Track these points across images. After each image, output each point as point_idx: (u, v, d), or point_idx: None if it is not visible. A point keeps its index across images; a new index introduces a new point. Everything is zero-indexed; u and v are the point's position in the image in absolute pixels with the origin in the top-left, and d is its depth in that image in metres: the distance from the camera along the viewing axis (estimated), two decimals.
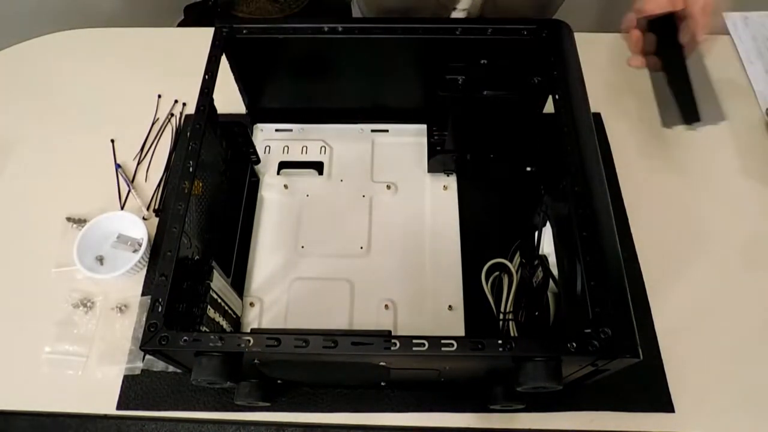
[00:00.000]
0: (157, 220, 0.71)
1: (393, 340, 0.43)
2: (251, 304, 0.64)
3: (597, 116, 0.78)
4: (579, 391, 0.57)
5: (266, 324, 0.62)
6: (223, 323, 0.57)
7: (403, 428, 0.58)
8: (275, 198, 0.71)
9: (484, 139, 0.68)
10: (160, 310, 0.45)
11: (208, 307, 0.54)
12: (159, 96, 0.82)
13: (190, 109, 0.81)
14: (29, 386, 0.61)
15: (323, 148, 0.75)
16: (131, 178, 0.75)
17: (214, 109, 0.58)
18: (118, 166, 0.75)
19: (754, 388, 0.59)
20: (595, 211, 0.48)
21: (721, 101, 0.64)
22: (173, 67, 0.84)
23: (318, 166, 0.73)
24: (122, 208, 0.72)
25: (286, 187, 0.71)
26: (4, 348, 0.63)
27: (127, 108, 0.81)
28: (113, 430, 0.59)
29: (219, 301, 0.56)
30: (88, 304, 0.65)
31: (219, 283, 0.56)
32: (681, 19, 0.66)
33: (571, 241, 0.48)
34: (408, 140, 0.75)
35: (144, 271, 0.67)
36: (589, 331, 0.43)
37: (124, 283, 0.66)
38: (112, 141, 0.78)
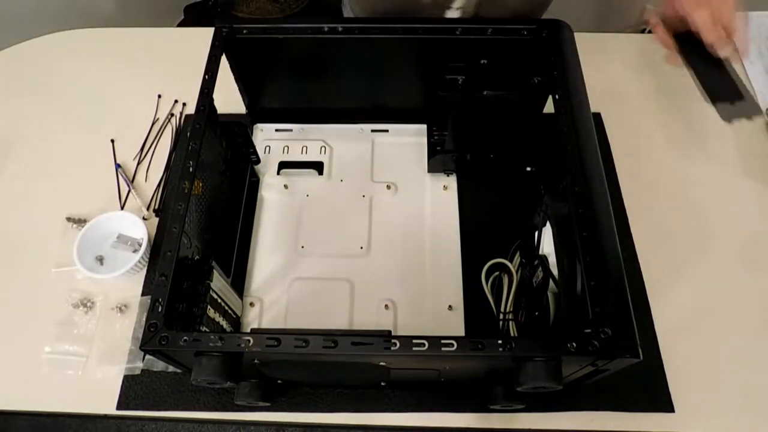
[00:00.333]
0: (157, 220, 0.71)
1: (393, 340, 0.43)
2: (251, 304, 0.64)
3: (597, 116, 0.78)
4: (579, 391, 0.57)
5: (266, 324, 0.62)
6: (223, 323, 0.57)
7: (403, 428, 0.58)
8: (275, 198, 0.71)
9: (484, 139, 0.68)
10: (160, 310, 0.45)
11: (208, 307, 0.54)
12: (159, 96, 0.82)
13: (190, 109, 0.81)
14: (29, 386, 0.61)
15: (323, 148, 0.75)
16: (131, 178, 0.75)
17: (214, 109, 0.58)
18: (118, 166, 0.75)
19: (754, 388, 0.59)
20: (595, 211, 0.48)
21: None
22: (173, 67, 0.84)
23: (318, 166, 0.73)
24: (122, 208, 0.72)
25: (286, 187, 0.71)
26: (4, 348, 0.63)
27: (127, 108, 0.81)
28: (113, 430, 0.59)
29: (219, 301, 0.56)
30: (88, 304, 0.65)
31: (219, 283, 0.56)
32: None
33: (571, 241, 0.48)
34: (408, 140, 0.75)
35: (144, 271, 0.67)
36: (589, 331, 0.43)
37: (124, 283, 0.66)
38: (112, 141, 0.78)
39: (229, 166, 0.66)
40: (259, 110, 0.75)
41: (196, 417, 0.59)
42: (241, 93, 0.71)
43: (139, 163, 0.76)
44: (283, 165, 0.73)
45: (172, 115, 0.80)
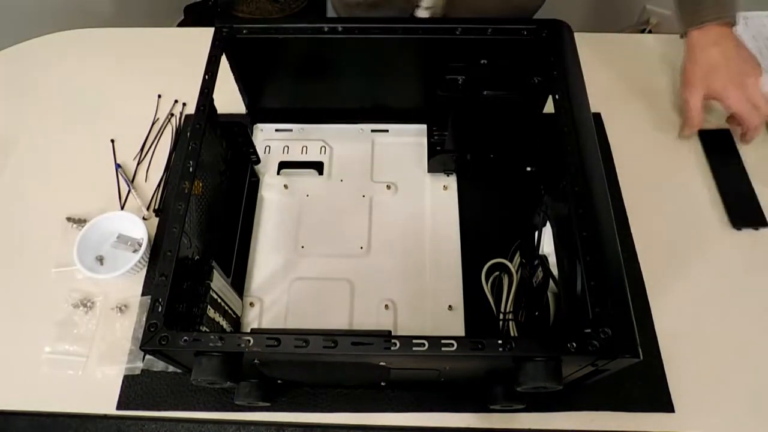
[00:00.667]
0: (157, 220, 0.71)
1: (393, 340, 0.43)
2: (251, 304, 0.64)
3: (597, 116, 0.78)
4: (579, 391, 0.57)
5: (266, 324, 0.62)
6: (223, 323, 0.57)
7: (403, 428, 0.58)
8: (275, 198, 0.71)
9: (484, 139, 0.68)
10: (160, 310, 0.45)
11: (208, 307, 0.54)
12: (159, 96, 0.82)
13: (190, 109, 0.81)
14: (29, 386, 0.61)
15: (323, 148, 0.75)
16: (131, 178, 0.75)
17: (214, 109, 0.58)
18: (118, 166, 0.75)
19: (755, 388, 0.59)
20: (595, 211, 0.48)
21: None
22: (173, 67, 0.84)
23: (318, 166, 0.73)
24: (122, 208, 0.72)
25: (286, 187, 0.71)
26: (4, 348, 0.63)
27: (127, 108, 0.81)
28: (113, 430, 0.59)
29: (219, 301, 0.56)
30: (88, 304, 0.65)
31: (219, 283, 0.56)
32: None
33: (571, 241, 0.48)
34: (408, 140, 0.75)
35: (144, 271, 0.67)
36: (589, 331, 0.43)
37: (124, 283, 0.66)
38: (112, 141, 0.78)
39: (229, 166, 0.66)
40: (259, 110, 0.75)
41: (196, 417, 0.59)
42: (241, 93, 0.71)
43: (139, 163, 0.76)
44: (283, 165, 0.73)
45: (172, 115, 0.80)
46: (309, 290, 0.65)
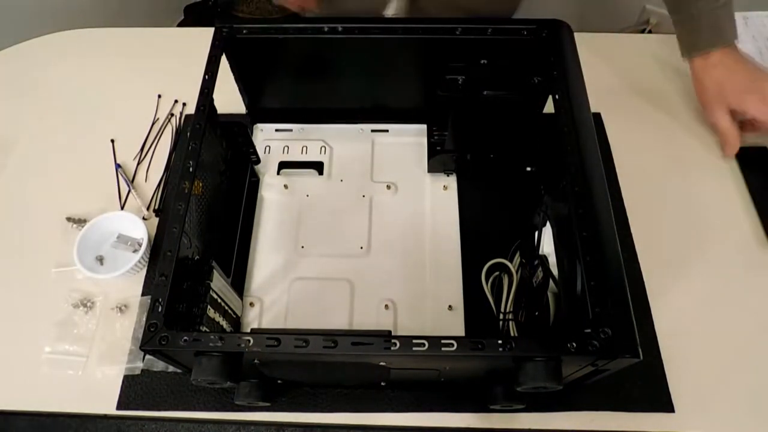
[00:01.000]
0: (157, 220, 0.71)
1: (393, 340, 0.43)
2: (251, 304, 0.64)
3: (597, 116, 0.78)
4: (579, 391, 0.57)
5: (266, 324, 0.62)
6: (223, 323, 0.57)
7: (403, 428, 0.58)
8: (275, 198, 0.71)
9: (484, 139, 0.68)
10: (160, 310, 0.45)
11: (208, 307, 0.54)
12: (159, 96, 0.82)
13: (190, 109, 0.81)
14: (29, 386, 0.61)
15: (323, 148, 0.75)
16: (131, 178, 0.75)
17: (214, 109, 0.58)
18: (118, 166, 0.75)
19: (755, 388, 0.59)
20: (595, 211, 0.48)
21: None
22: (173, 67, 0.84)
23: (318, 166, 0.73)
24: (122, 208, 0.72)
25: (286, 187, 0.71)
26: (4, 348, 0.63)
27: (127, 108, 0.81)
28: (113, 430, 0.59)
29: (219, 301, 0.56)
30: (88, 304, 0.65)
31: (219, 283, 0.56)
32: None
33: (571, 241, 0.48)
34: (408, 140, 0.75)
35: (144, 271, 0.67)
36: (589, 331, 0.43)
37: (124, 283, 0.66)
38: (112, 141, 0.78)
39: (229, 166, 0.66)
40: (259, 110, 0.75)
41: (196, 417, 0.59)
42: (241, 93, 0.71)
43: (139, 163, 0.76)
44: (283, 165, 0.73)
45: (172, 115, 0.80)
46: (309, 290, 0.65)
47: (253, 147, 0.69)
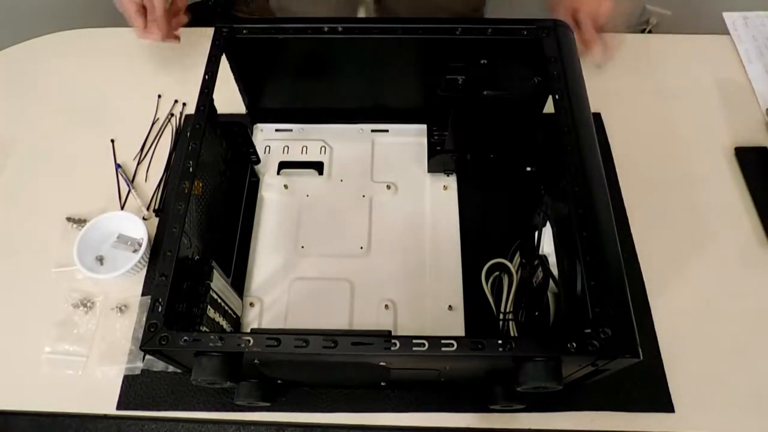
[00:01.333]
0: (157, 220, 0.71)
1: (393, 340, 0.43)
2: (251, 304, 0.64)
3: (597, 116, 0.78)
4: (579, 391, 0.57)
5: (266, 324, 0.62)
6: (223, 323, 0.57)
7: (403, 428, 0.58)
8: (275, 198, 0.71)
9: (484, 139, 0.68)
10: (160, 310, 0.45)
11: (208, 307, 0.54)
12: (159, 96, 0.82)
13: (190, 109, 0.81)
14: (29, 386, 0.61)
15: (323, 148, 0.75)
16: (131, 178, 0.75)
17: (214, 109, 0.58)
18: (118, 166, 0.75)
19: (755, 388, 0.59)
20: (595, 211, 0.48)
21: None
22: (173, 67, 0.84)
23: (318, 166, 0.73)
24: (122, 208, 0.72)
25: (286, 187, 0.71)
26: (4, 348, 0.63)
27: (127, 108, 0.81)
28: (113, 430, 0.59)
29: (219, 301, 0.56)
30: (88, 304, 0.65)
31: (219, 283, 0.56)
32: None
33: (571, 241, 0.48)
34: (408, 140, 0.75)
35: (144, 271, 0.67)
36: (589, 331, 0.43)
37: (124, 283, 0.66)
38: (112, 141, 0.78)
39: (229, 166, 0.66)
40: (259, 110, 0.75)
41: (196, 417, 0.59)
42: (241, 93, 0.71)
43: (139, 163, 0.76)
44: (283, 165, 0.73)
45: (172, 115, 0.80)
46: (309, 290, 0.64)
47: (253, 147, 0.69)
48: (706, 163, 0.75)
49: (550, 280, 0.55)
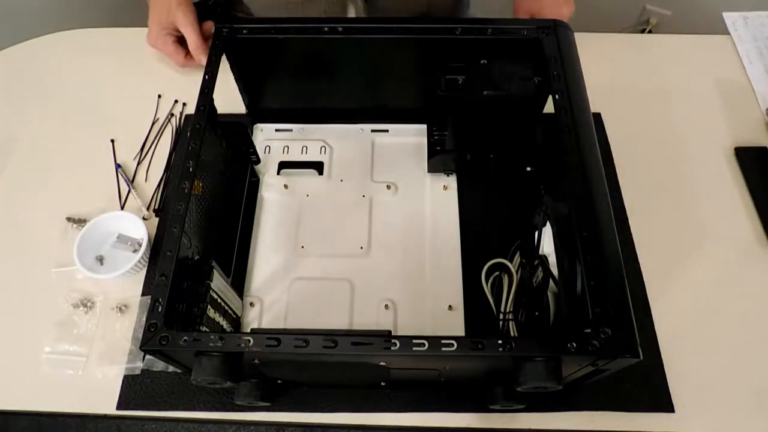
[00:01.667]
0: (157, 220, 0.71)
1: (393, 340, 0.43)
2: (251, 304, 0.64)
3: (597, 116, 0.78)
4: (579, 391, 0.57)
5: (266, 324, 0.62)
6: (223, 323, 0.57)
7: (403, 428, 0.58)
8: (275, 198, 0.71)
9: (484, 139, 0.68)
10: (160, 310, 0.45)
11: (208, 307, 0.54)
12: (159, 96, 0.82)
13: (190, 109, 0.81)
14: (29, 386, 0.61)
15: (323, 148, 0.75)
16: (131, 178, 0.75)
17: (214, 109, 0.58)
18: (118, 166, 0.75)
19: (755, 388, 0.59)
20: (595, 211, 0.48)
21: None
22: (173, 67, 0.84)
23: (318, 166, 0.73)
24: (122, 208, 0.72)
25: (286, 187, 0.71)
26: (4, 348, 0.63)
27: (127, 108, 0.81)
28: (113, 430, 0.59)
29: (219, 301, 0.56)
30: (88, 304, 0.65)
31: (219, 283, 0.56)
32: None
33: (571, 241, 0.48)
34: (408, 140, 0.75)
35: (144, 271, 0.67)
36: (589, 331, 0.43)
37: (124, 283, 0.66)
38: (112, 141, 0.78)
39: (229, 166, 0.66)
40: (259, 110, 0.75)
41: (196, 417, 0.59)
42: (241, 93, 0.71)
43: (139, 163, 0.76)
44: (283, 165, 0.73)
45: (172, 115, 0.80)
46: (309, 290, 0.64)
47: (253, 147, 0.69)
48: (706, 163, 0.75)
49: (550, 280, 0.55)
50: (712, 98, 0.80)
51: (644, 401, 0.58)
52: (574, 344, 0.42)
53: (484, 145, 0.68)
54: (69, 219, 0.70)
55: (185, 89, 0.81)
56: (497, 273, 0.65)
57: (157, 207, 0.72)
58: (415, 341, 0.43)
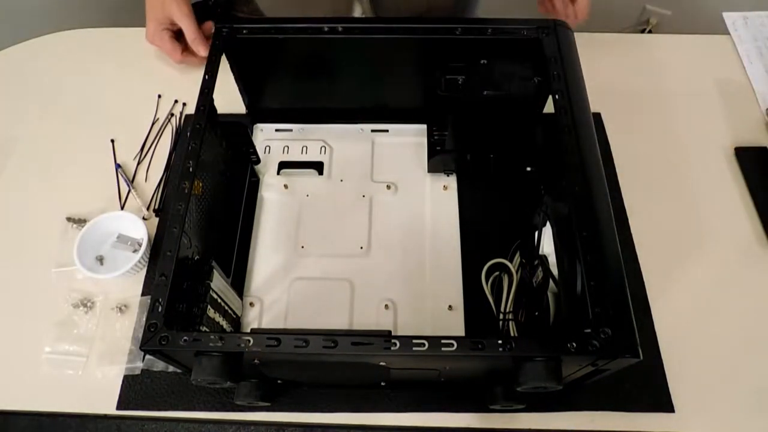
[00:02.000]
0: (157, 220, 0.71)
1: (393, 340, 0.43)
2: (251, 304, 0.64)
3: (597, 116, 0.78)
4: (579, 391, 0.57)
5: (266, 324, 0.62)
6: (223, 323, 0.57)
7: (403, 428, 0.58)
8: (275, 198, 0.71)
9: (484, 139, 0.68)
10: (160, 310, 0.46)
11: (208, 307, 0.54)
12: (159, 96, 0.82)
13: (190, 109, 0.81)
14: (29, 386, 0.61)
15: (323, 148, 0.75)
16: (131, 178, 0.75)
17: (214, 109, 0.58)
18: (118, 166, 0.75)
19: (755, 388, 0.59)
20: (595, 211, 0.48)
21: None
22: (173, 67, 0.84)
23: (318, 166, 0.73)
24: (122, 208, 0.72)
25: (286, 187, 0.71)
26: (4, 348, 0.63)
27: (127, 108, 0.81)
28: (113, 430, 0.59)
29: (219, 301, 0.56)
30: (88, 304, 0.65)
31: (219, 283, 0.56)
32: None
33: (571, 241, 0.48)
34: (408, 140, 0.75)
35: (144, 271, 0.67)
36: (589, 331, 0.43)
37: (124, 283, 0.66)
38: (112, 141, 0.78)
39: (229, 166, 0.66)
40: (259, 110, 0.75)
41: (196, 417, 0.59)
42: (241, 93, 0.71)
43: (139, 163, 0.76)
44: (283, 165, 0.73)
45: (172, 115, 0.80)
46: (309, 290, 0.64)
47: (253, 147, 0.69)
48: (706, 163, 0.75)
49: (550, 280, 0.55)
50: (712, 98, 0.81)
51: (644, 401, 0.58)
52: (574, 344, 0.42)
53: (484, 145, 0.68)
54: (69, 219, 0.70)
55: (185, 89, 0.81)
56: (497, 273, 0.65)
57: (157, 207, 0.72)
58: (415, 341, 0.43)
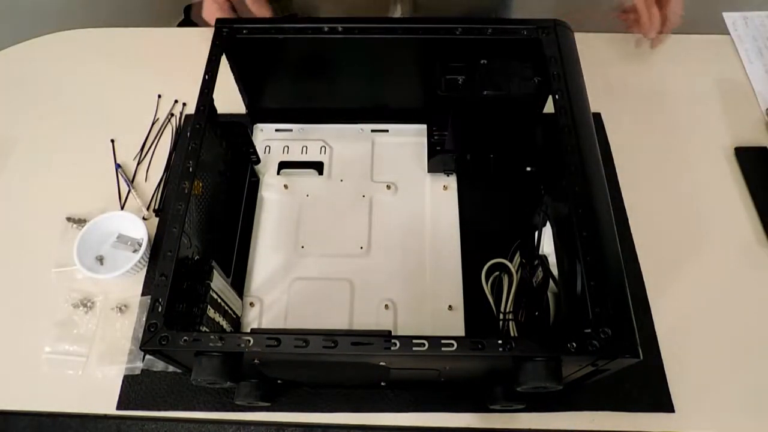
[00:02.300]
0: (157, 220, 0.71)
1: (393, 340, 0.43)
2: (251, 304, 0.64)
3: (597, 116, 0.78)
4: (579, 391, 0.57)
5: (266, 324, 0.62)
6: (223, 323, 0.57)
7: (403, 428, 0.58)
8: (275, 198, 0.71)
9: (484, 139, 0.68)
10: (160, 310, 0.46)
11: (208, 307, 0.54)
12: (159, 96, 0.82)
13: (190, 109, 0.81)
14: (29, 386, 0.61)
15: (323, 148, 0.75)
16: (131, 178, 0.75)
17: (214, 109, 0.58)
18: (118, 166, 0.75)
19: (755, 388, 0.59)
20: (595, 211, 0.48)
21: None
22: (173, 67, 0.84)
23: (318, 166, 0.73)
24: (122, 208, 0.72)
25: (286, 187, 0.71)
26: (4, 348, 0.63)
27: (127, 108, 0.81)
28: (113, 430, 0.59)
29: (219, 301, 0.56)
30: (88, 304, 0.65)
31: (219, 283, 0.56)
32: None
33: (571, 241, 0.48)
34: (408, 140, 0.75)
35: (144, 271, 0.67)
36: (589, 331, 0.43)
37: (124, 283, 0.66)
38: (112, 141, 0.78)
39: (229, 166, 0.66)
40: (259, 110, 0.75)
41: (196, 417, 0.59)
42: (241, 93, 0.71)
43: (139, 163, 0.76)
44: (283, 165, 0.73)
45: (172, 115, 0.80)
46: (309, 290, 0.64)
47: (253, 147, 0.69)
48: (706, 163, 0.75)
49: (550, 280, 0.55)
50: (712, 98, 0.81)
51: (644, 401, 0.58)
52: (574, 344, 0.42)
53: (484, 145, 0.68)
54: (69, 219, 0.70)
55: (185, 89, 0.81)
56: (497, 273, 0.65)
57: (157, 207, 0.72)
58: (415, 341, 0.43)
